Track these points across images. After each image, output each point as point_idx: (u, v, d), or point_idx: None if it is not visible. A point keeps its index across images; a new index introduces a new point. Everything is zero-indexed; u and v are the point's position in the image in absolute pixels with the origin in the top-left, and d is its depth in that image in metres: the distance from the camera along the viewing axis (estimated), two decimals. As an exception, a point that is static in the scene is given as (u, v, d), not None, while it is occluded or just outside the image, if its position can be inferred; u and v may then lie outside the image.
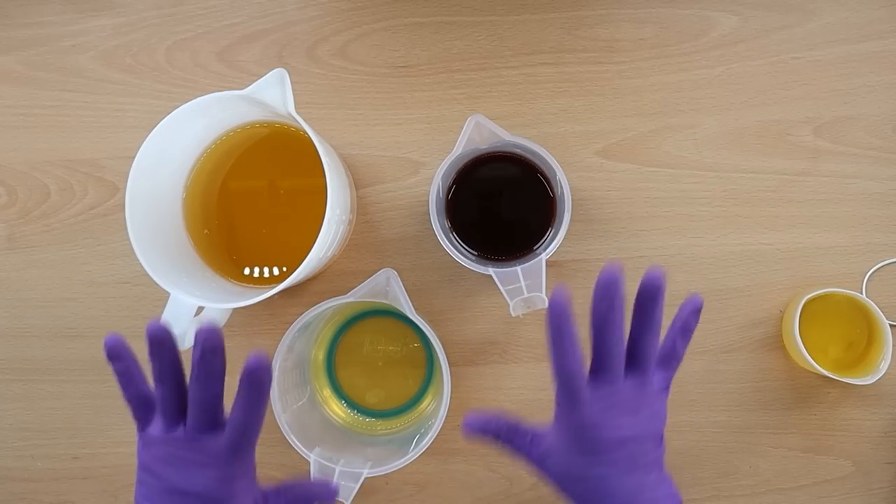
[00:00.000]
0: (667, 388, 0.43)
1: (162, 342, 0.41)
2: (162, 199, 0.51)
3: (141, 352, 0.60)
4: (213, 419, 0.42)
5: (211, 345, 0.40)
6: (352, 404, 0.59)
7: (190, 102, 0.47)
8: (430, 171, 0.58)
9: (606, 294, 0.39)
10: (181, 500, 0.41)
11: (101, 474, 0.59)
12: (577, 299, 0.57)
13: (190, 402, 0.41)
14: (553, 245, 0.50)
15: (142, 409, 0.43)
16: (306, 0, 0.59)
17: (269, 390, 0.41)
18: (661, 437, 0.42)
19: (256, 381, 0.40)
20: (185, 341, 0.47)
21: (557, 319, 0.39)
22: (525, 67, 0.58)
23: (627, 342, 0.42)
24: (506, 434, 0.42)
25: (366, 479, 0.50)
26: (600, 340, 0.40)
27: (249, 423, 0.41)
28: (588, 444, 0.40)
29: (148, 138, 0.47)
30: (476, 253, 0.54)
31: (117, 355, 0.42)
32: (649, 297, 0.40)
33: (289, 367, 0.54)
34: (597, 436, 0.40)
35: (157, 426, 0.42)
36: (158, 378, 0.42)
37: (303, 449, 0.51)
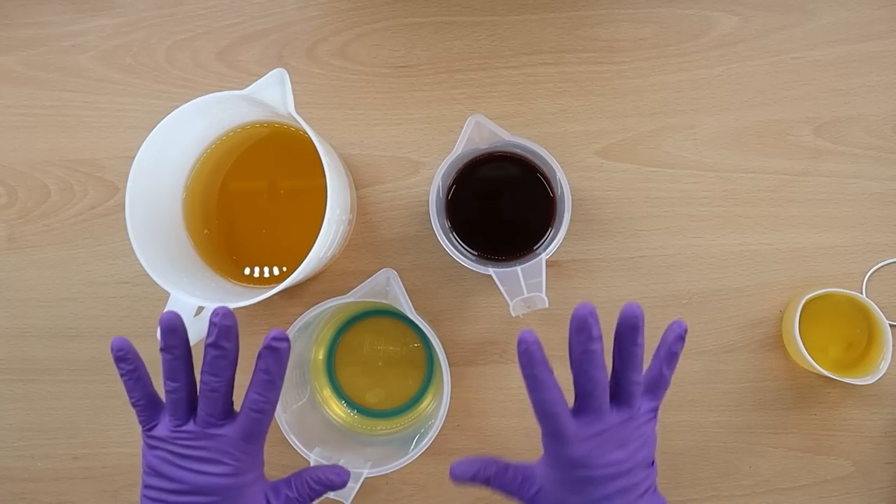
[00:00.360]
0: (655, 413, 0.43)
1: (176, 330, 0.41)
2: (162, 199, 0.51)
3: (145, 352, 0.60)
4: (224, 409, 0.42)
5: (226, 325, 0.40)
6: (352, 404, 0.58)
7: (190, 102, 0.47)
8: (430, 171, 0.58)
9: (582, 329, 0.39)
10: (191, 499, 0.41)
11: (101, 474, 0.59)
12: (578, 299, 0.57)
13: (201, 392, 0.41)
14: (553, 245, 0.50)
15: (149, 410, 0.43)
16: (306, 0, 0.59)
17: (286, 367, 0.42)
18: (652, 462, 0.42)
19: (276, 354, 0.41)
20: (185, 341, 0.47)
21: (528, 361, 0.39)
22: (525, 67, 0.58)
23: (611, 376, 0.42)
24: (495, 478, 0.42)
25: (366, 479, 0.50)
26: (582, 377, 0.40)
27: (265, 402, 0.41)
28: (579, 481, 0.40)
29: (148, 138, 0.47)
30: (476, 253, 0.54)
31: (125, 357, 0.42)
32: (628, 330, 0.41)
33: (289, 367, 0.53)
34: (587, 474, 0.40)
35: (164, 426, 0.42)
36: (170, 371, 0.42)
37: (303, 449, 0.51)
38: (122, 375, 0.43)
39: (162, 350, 0.42)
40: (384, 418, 0.58)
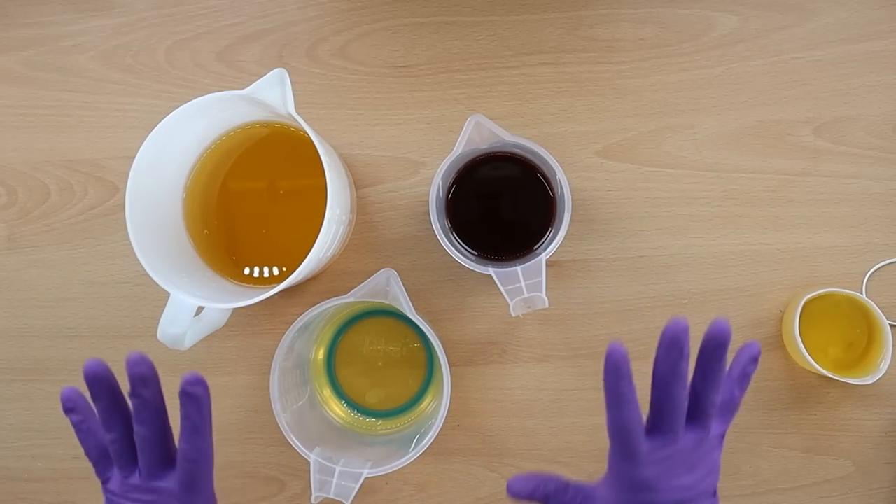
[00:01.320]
0: (722, 440, 0.41)
1: (100, 379, 0.39)
2: (162, 199, 0.51)
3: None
4: (162, 458, 0.40)
5: (140, 372, 0.38)
6: (352, 404, 0.58)
7: (190, 102, 0.47)
8: (430, 171, 0.58)
9: (673, 347, 0.37)
10: None
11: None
12: (578, 299, 0.57)
13: (137, 444, 0.39)
14: (553, 245, 0.50)
15: (103, 462, 0.41)
16: (306, 0, 0.59)
17: (209, 412, 0.39)
18: (715, 492, 0.40)
19: (193, 399, 0.38)
20: (186, 342, 0.47)
21: (615, 377, 0.37)
22: (525, 67, 0.58)
23: (689, 395, 0.40)
24: (555, 496, 0.40)
25: (366, 479, 0.50)
26: (665, 397, 0.38)
27: (195, 451, 0.39)
28: (643, 503, 0.38)
29: (148, 138, 0.47)
30: (476, 253, 0.54)
31: (73, 407, 0.40)
32: (716, 347, 0.39)
33: (289, 367, 0.53)
34: (652, 497, 0.38)
35: (116, 479, 0.41)
36: (105, 422, 0.40)
37: (303, 449, 0.51)
38: (73, 427, 0.41)
39: (91, 398, 0.40)
40: (384, 418, 0.58)
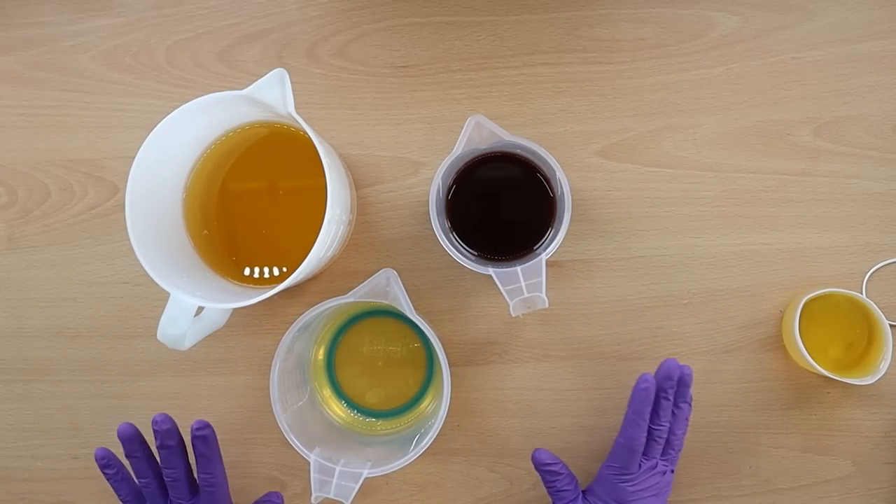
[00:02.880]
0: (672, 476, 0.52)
1: (133, 439, 0.50)
2: (162, 199, 0.51)
3: (133, 351, 0.61)
4: (188, 490, 0.50)
5: (167, 428, 0.49)
6: (352, 404, 0.58)
7: (190, 102, 0.47)
8: (430, 171, 0.58)
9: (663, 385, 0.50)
10: None
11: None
12: (578, 299, 0.57)
13: (167, 483, 0.50)
14: (553, 245, 0.50)
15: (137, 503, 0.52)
16: (306, 0, 0.59)
17: (217, 445, 0.50)
18: None
19: (203, 439, 0.49)
20: (186, 342, 0.47)
21: (644, 399, 0.49)
22: (525, 67, 0.58)
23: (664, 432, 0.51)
24: (562, 479, 0.51)
25: (366, 479, 0.50)
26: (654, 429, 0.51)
27: (213, 477, 0.50)
28: None
29: (148, 138, 0.47)
30: (476, 253, 0.54)
31: (108, 463, 0.51)
32: (671, 388, 0.51)
33: (289, 367, 0.53)
34: None
35: None
36: (138, 471, 0.51)
37: (303, 449, 0.51)
38: (108, 479, 0.51)
39: (127, 456, 0.50)
40: (384, 418, 0.58)
